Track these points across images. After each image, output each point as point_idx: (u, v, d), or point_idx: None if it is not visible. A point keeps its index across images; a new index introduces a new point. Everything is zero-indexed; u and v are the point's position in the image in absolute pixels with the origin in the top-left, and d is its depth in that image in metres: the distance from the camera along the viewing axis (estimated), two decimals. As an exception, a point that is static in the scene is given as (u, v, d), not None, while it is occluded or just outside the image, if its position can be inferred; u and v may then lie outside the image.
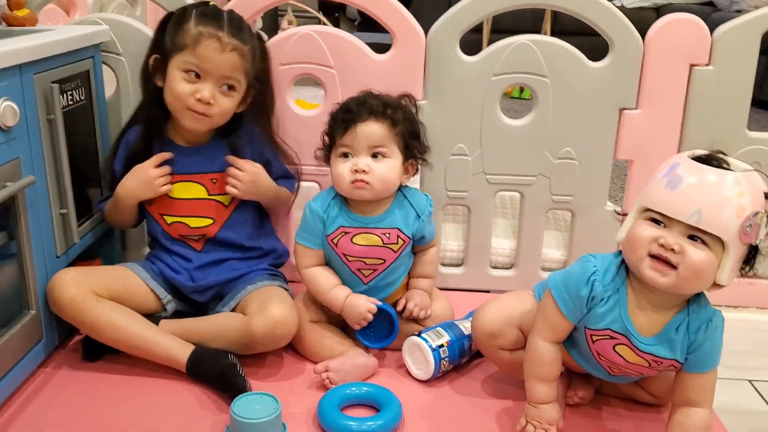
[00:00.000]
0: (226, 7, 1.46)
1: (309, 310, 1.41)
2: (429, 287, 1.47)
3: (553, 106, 1.57)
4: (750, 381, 1.42)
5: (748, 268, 1.05)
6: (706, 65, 1.54)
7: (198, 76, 1.33)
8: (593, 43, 1.57)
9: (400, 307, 1.41)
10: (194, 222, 1.43)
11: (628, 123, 1.58)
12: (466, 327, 1.38)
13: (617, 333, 1.10)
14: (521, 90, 4.12)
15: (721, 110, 1.56)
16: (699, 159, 1.04)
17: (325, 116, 1.43)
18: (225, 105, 1.36)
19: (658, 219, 1.03)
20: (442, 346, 1.32)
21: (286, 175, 1.52)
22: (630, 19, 1.54)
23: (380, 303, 1.37)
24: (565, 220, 1.87)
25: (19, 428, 1.17)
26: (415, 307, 1.41)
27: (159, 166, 1.39)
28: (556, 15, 4.16)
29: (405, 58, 1.55)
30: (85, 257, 1.47)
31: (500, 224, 1.87)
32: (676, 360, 1.10)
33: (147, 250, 1.57)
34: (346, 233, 1.37)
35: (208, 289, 1.42)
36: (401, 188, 1.42)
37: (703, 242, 1.00)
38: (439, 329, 1.36)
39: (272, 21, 4.66)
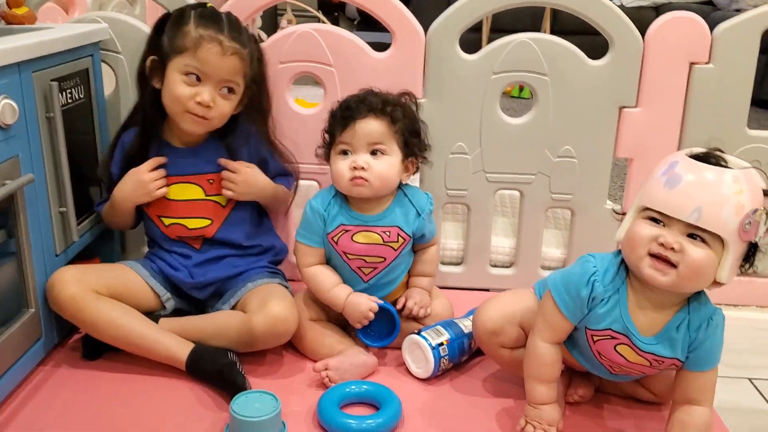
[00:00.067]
0: (224, 7, 1.46)
1: (308, 309, 1.41)
2: (429, 286, 1.47)
3: (552, 104, 1.57)
4: (750, 379, 1.41)
5: (748, 266, 1.05)
6: (706, 63, 1.54)
7: (198, 79, 1.33)
8: (593, 43, 1.57)
9: (399, 306, 1.41)
10: (192, 223, 1.43)
11: (627, 121, 1.58)
12: (465, 325, 1.38)
13: (618, 333, 1.10)
14: (521, 89, 4.11)
15: (721, 108, 1.56)
16: (697, 157, 1.04)
17: (325, 115, 1.43)
18: (224, 108, 1.36)
19: (657, 218, 1.03)
20: (441, 344, 1.32)
21: (283, 173, 1.52)
22: (629, 18, 1.54)
23: (381, 302, 1.37)
24: (564, 218, 1.87)
25: (18, 427, 1.17)
26: (415, 305, 1.41)
27: (155, 169, 1.39)
28: (555, 14, 4.16)
29: (404, 56, 1.55)
30: (84, 256, 1.47)
31: (500, 223, 1.87)
32: (677, 359, 1.09)
33: (146, 249, 1.56)
34: (347, 231, 1.37)
35: (208, 285, 1.42)
36: (402, 186, 1.42)
37: (703, 240, 1.00)
38: (439, 327, 1.36)
39: (271, 20, 4.65)
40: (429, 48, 1.55)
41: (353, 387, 1.26)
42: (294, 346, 1.40)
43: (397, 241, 1.38)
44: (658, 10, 4.64)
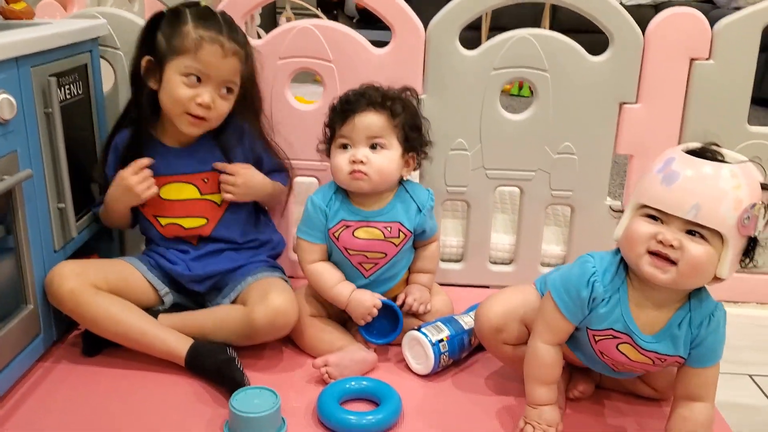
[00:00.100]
0: (219, 6, 1.45)
1: (308, 305, 1.40)
2: (429, 282, 1.47)
3: (552, 100, 1.56)
4: (750, 376, 1.41)
5: (748, 260, 1.04)
6: (707, 59, 1.54)
7: (198, 80, 1.32)
8: (592, 41, 1.56)
9: (399, 302, 1.40)
10: (188, 222, 1.43)
11: (628, 117, 1.57)
12: (466, 322, 1.38)
13: (620, 332, 1.09)
14: (520, 87, 4.11)
15: (722, 104, 1.55)
16: (694, 152, 1.03)
17: (324, 111, 1.43)
18: (223, 108, 1.36)
19: (655, 215, 1.02)
20: (441, 340, 1.32)
21: (278, 169, 1.51)
22: (629, 16, 1.54)
23: (385, 299, 1.37)
24: (564, 215, 1.87)
25: (17, 423, 1.17)
26: (414, 301, 1.40)
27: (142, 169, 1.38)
28: (554, 12, 4.17)
29: (404, 52, 1.54)
30: (82, 253, 1.46)
31: (500, 219, 1.86)
32: (679, 356, 1.09)
33: (144, 246, 1.56)
34: (348, 227, 1.37)
35: (206, 279, 1.41)
36: (403, 182, 1.42)
37: (702, 237, 0.99)
38: (439, 324, 1.36)
39: (270, 18, 4.65)
40: (429, 44, 1.54)
41: (353, 383, 1.25)
42: (293, 343, 1.40)
43: (399, 237, 1.38)
44: (657, 9, 4.64)
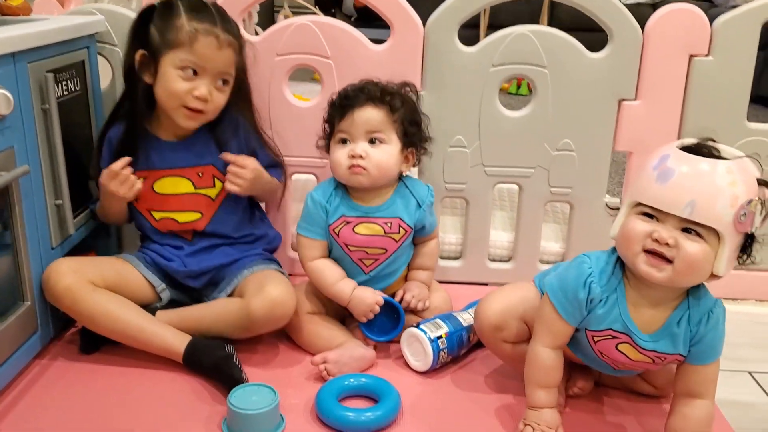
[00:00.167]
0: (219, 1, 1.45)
1: (307, 302, 1.40)
2: (428, 279, 1.47)
3: (551, 97, 1.56)
4: (750, 373, 1.41)
5: (745, 257, 1.03)
6: (706, 56, 1.53)
7: (195, 73, 1.32)
8: (590, 39, 1.56)
9: (397, 299, 1.40)
10: (182, 217, 1.42)
11: (627, 114, 1.57)
12: (464, 318, 1.38)
13: (619, 332, 1.09)
14: (518, 86, 4.11)
15: (721, 101, 1.55)
16: (689, 148, 1.02)
17: (322, 108, 1.43)
18: (219, 100, 1.36)
19: (651, 213, 1.01)
20: (440, 337, 1.32)
21: (273, 164, 1.50)
22: (627, 15, 1.53)
23: (387, 296, 1.37)
24: (563, 212, 1.87)
25: (14, 421, 1.16)
26: (413, 299, 1.40)
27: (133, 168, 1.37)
28: (552, 10, 4.16)
29: (403, 48, 1.54)
30: (80, 250, 1.46)
31: (498, 217, 1.86)
32: (679, 354, 1.08)
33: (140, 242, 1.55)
34: (348, 223, 1.36)
35: (202, 274, 1.41)
36: (402, 178, 1.41)
37: (698, 234, 0.98)
38: (438, 320, 1.35)
39: (268, 16, 4.65)
40: (427, 40, 1.54)
41: (352, 380, 1.25)
42: (292, 339, 1.39)
43: (399, 233, 1.37)
44: (655, 7, 4.63)
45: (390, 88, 1.37)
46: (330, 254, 1.41)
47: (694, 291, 1.07)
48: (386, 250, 1.38)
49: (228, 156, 1.39)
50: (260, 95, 1.53)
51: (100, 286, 1.30)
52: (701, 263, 0.99)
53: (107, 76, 1.56)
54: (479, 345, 1.36)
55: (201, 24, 1.31)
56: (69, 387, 1.25)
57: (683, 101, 1.56)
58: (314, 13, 3.79)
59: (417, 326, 1.33)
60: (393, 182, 1.39)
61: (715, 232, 0.98)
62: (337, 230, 1.37)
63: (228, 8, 1.42)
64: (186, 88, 1.31)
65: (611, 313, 1.08)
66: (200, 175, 1.41)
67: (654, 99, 1.56)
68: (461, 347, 1.36)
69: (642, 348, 1.09)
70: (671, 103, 1.56)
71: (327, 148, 1.41)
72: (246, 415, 1.11)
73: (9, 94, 1.14)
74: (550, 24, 4.02)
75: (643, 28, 1.53)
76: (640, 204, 1.03)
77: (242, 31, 1.43)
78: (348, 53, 1.54)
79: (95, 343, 1.35)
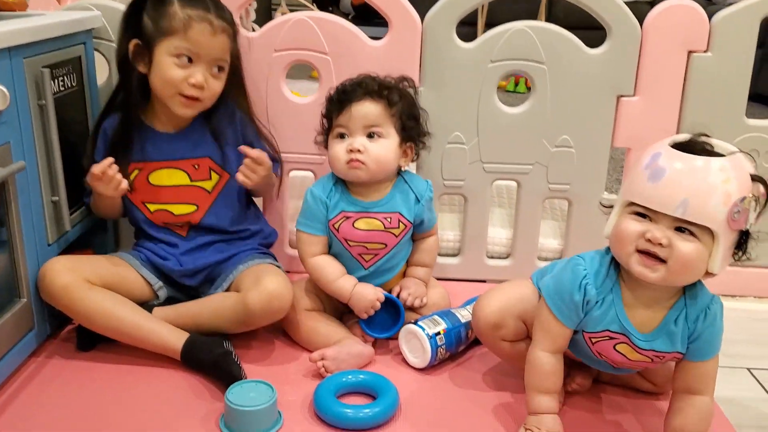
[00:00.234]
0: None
1: (305, 299, 1.39)
2: (426, 276, 1.46)
3: (550, 93, 1.56)
4: (749, 369, 1.41)
5: (741, 253, 1.02)
6: (705, 52, 1.53)
7: (190, 60, 1.31)
8: (588, 37, 1.56)
9: (393, 295, 1.40)
10: (178, 209, 1.42)
11: (625, 110, 1.57)
12: (463, 315, 1.37)
13: (616, 333, 1.09)
14: (516, 83, 4.11)
15: (720, 97, 1.55)
16: (681, 145, 1.01)
17: (320, 104, 1.43)
18: (215, 87, 1.35)
19: (644, 212, 1.00)
20: (438, 333, 1.31)
21: (271, 158, 1.49)
22: (625, 13, 1.53)
23: (387, 293, 1.37)
24: (561, 209, 1.86)
25: (10, 419, 1.16)
26: (409, 296, 1.40)
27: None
28: (550, 8, 4.16)
29: (401, 44, 1.53)
30: (77, 247, 1.45)
31: (497, 213, 1.85)
32: (677, 352, 1.08)
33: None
34: (348, 218, 1.36)
35: (198, 272, 1.40)
36: (401, 173, 1.41)
37: (692, 233, 0.97)
38: (436, 317, 1.35)
39: (265, 13, 4.64)
40: (426, 36, 1.53)
41: (350, 377, 1.24)
42: (289, 336, 1.39)
43: (398, 228, 1.37)
44: (652, 5, 4.64)
45: (388, 83, 1.37)
46: (329, 250, 1.40)
47: (691, 288, 1.07)
48: (386, 245, 1.38)
49: (248, 151, 1.37)
50: (258, 91, 1.53)
51: (96, 285, 1.30)
52: (695, 262, 0.98)
53: (104, 72, 1.55)
54: (477, 342, 1.36)
55: (194, 10, 1.30)
56: (65, 385, 1.25)
57: (682, 97, 1.56)
58: (311, 11, 3.78)
59: (415, 323, 1.33)
60: (392, 177, 1.39)
61: (709, 231, 0.97)
62: (336, 226, 1.36)
63: (227, 3, 1.41)
64: (182, 75, 1.31)
65: (608, 315, 1.08)
66: (196, 167, 1.41)
67: (653, 95, 1.55)
68: (459, 344, 1.35)
69: (640, 348, 1.08)
70: (670, 99, 1.56)
71: (325, 144, 1.40)
72: (244, 411, 1.10)
73: (5, 90, 1.14)
74: (548, 22, 4.03)
75: (640, 26, 1.53)
76: (632, 203, 1.02)
77: (240, 29, 1.43)
78: (346, 49, 1.53)
79: (92, 341, 1.34)
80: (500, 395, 1.27)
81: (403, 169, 1.41)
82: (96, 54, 1.51)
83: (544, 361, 1.12)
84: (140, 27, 1.33)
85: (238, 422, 1.11)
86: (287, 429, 1.15)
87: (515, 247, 1.70)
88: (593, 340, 1.12)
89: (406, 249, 1.43)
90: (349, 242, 1.37)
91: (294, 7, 4.03)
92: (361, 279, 1.38)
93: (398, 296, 1.40)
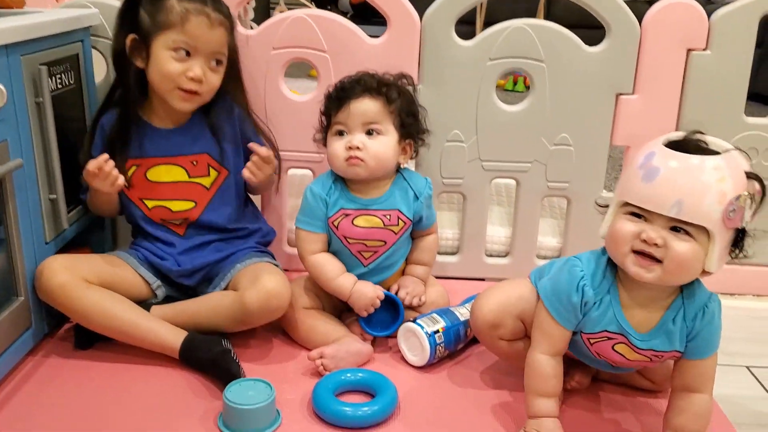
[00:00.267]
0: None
1: (303, 297, 1.39)
2: (424, 275, 1.46)
3: (549, 91, 1.55)
4: (748, 368, 1.41)
5: (737, 251, 1.02)
6: (704, 50, 1.53)
7: (187, 54, 1.31)
8: (586, 36, 1.56)
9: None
10: (176, 206, 1.41)
11: (624, 108, 1.56)
12: (461, 313, 1.37)
13: (614, 333, 1.08)
14: (514, 82, 4.10)
15: (719, 95, 1.55)
16: (675, 144, 1.00)
17: (319, 101, 1.42)
18: (214, 81, 1.35)
19: (638, 212, 1.00)
20: (437, 331, 1.31)
21: None
22: (624, 13, 1.52)
23: (387, 292, 1.37)
24: (560, 207, 1.86)
25: (7, 418, 1.15)
26: (407, 295, 1.40)
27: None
28: (549, 7, 4.16)
29: (399, 41, 1.53)
30: (74, 245, 1.45)
31: (495, 212, 1.85)
32: (676, 350, 1.08)
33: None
34: (347, 215, 1.36)
35: (195, 272, 1.40)
36: (400, 170, 1.41)
37: (687, 233, 0.97)
38: (435, 315, 1.35)
39: (264, 11, 4.64)
40: (424, 33, 1.53)
41: (348, 375, 1.24)
42: (288, 335, 1.39)
43: (398, 225, 1.37)
44: (652, 4, 4.64)
45: (386, 80, 1.37)
46: (329, 247, 1.40)
47: (688, 287, 1.06)
48: (385, 243, 1.38)
49: (258, 149, 1.36)
50: (256, 89, 1.52)
51: (93, 283, 1.29)
52: (691, 262, 0.98)
53: (102, 70, 1.55)
54: (476, 340, 1.36)
55: (191, 3, 1.30)
56: (63, 384, 1.24)
57: (681, 95, 1.56)
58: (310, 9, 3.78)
59: (414, 321, 1.33)
60: (391, 174, 1.39)
61: (705, 230, 0.96)
62: (336, 223, 1.36)
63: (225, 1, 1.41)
64: (180, 69, 1.30)
65: (606, 315, 1.08)
66: (194, 163, 1.40)
67: (651, 93, 1.55)
68: (458, 342, 1.35)
69: (638, 348, 1.08)
70: (669, 97, 1.56)
71: (324, 141, 1.40)
72: (242, 410, 1.10)
73: (2, 87, 1.13)
74: (547, 20, 4.03)
75: (639, 24, 1.53)
76: (627, 203, 1.01)
77: (238, 26, 1.42)
78: (344, 47, 1.53)
79: (89, 340, 1.33)
80: (499, 393, 1.27)
81: (402, 166, 1.41)
82: (93, 52, 1.51)
83: (544, 364, 1.12)
84: (137, 22, 1.32)
85: (237, 421, 1.11)
86: (286, 427, 1.14)
87: (514, 246, 1.69)
88: (592, 341, 1.11)
89: (405, 246, 1.43)
90: (348, 240, 1.36)
91: (292, 5, 4.03)
92: (360, 276, 1.38)
93: (397, 294, 1.39)
